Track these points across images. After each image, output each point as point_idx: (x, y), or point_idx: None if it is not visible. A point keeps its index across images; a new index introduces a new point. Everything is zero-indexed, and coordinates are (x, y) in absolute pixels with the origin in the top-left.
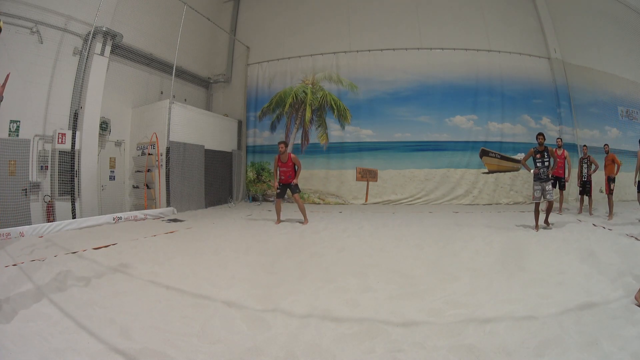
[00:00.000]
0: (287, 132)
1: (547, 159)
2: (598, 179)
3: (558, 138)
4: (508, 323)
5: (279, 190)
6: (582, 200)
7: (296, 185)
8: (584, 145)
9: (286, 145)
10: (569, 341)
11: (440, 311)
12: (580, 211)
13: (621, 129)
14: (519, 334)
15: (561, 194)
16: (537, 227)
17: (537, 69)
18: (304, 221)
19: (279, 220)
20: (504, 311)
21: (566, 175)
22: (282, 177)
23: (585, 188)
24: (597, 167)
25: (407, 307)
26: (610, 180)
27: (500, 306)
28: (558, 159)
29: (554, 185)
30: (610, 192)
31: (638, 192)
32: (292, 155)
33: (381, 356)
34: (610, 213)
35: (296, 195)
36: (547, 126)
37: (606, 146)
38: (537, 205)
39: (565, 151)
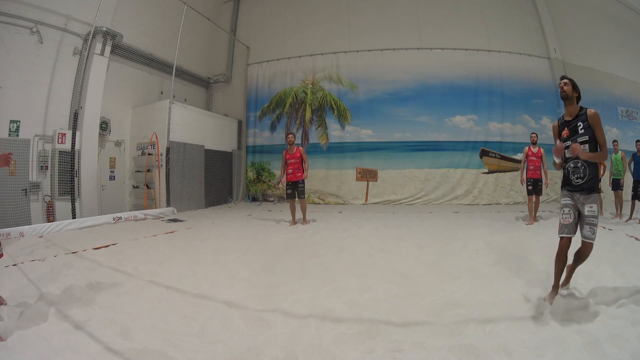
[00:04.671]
0: (287, 132)
1: (584, 132)
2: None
3: (532, 133)
4: (508, 323)
5: (289, 191)
6: None
7: (303, 187)
8: None
9: (294, 136)
10: (569, 341)
11: (440, 311)
12: None
13: (621, 129)
14: (519, 334)
15: (537, 200)
16: (561, 285)
17: (537, 69)
18: (304, 222)
19: (294, 222)
20: (504, 311)
21: (544, 178)
22: (290, 171)
23: None
24: None
25: (407, 307)
26: None
27: (500, 306)
28: (534, 157)
29: (532, 192)
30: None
31: (612, 190)
32: (301, 148)
33: (381, 356)
34: (600, 210)
35: (303, 199)
36: (547, 126)
37: None
38: (564, 244)
39: (541, 149)
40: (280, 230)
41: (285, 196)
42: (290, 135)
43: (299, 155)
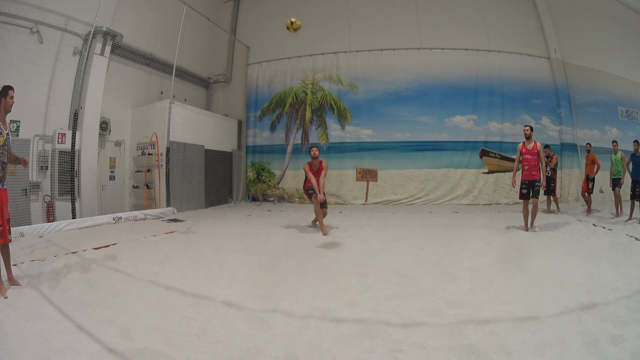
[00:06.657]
0: (287, 132)
1: None
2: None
3: (525, 126)
4: (508, 323)
5: (311, 192)
6: (548, 201)
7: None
8: (547, 146)
9: (319, 150)
10: (569, 341)
11: (440, 311)
12: (548, 211)
13: (621, 129)
14: (519, 334)
15: (535, 203)
16: None
17: (537, 69)
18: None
19: (326, 231)
20: (504, 311)
21: (542, 179)
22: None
23: (549, 187)
24: (551, 165)
25: (407, 307)
26: (588, 179)
27: (500, 306)
28: (528, 155)
29: (527, 196)
30: (588, 190)
31: (612, 190)
32: (324, 163)
33: (381, 356)
34: (589, 210)
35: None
36: (547, 126)
37: (588, 145)
38: None
39: (537, 144)
40: (280, 231)
41: (307, 196)
42: (314, 149)
43: (321, 172)
